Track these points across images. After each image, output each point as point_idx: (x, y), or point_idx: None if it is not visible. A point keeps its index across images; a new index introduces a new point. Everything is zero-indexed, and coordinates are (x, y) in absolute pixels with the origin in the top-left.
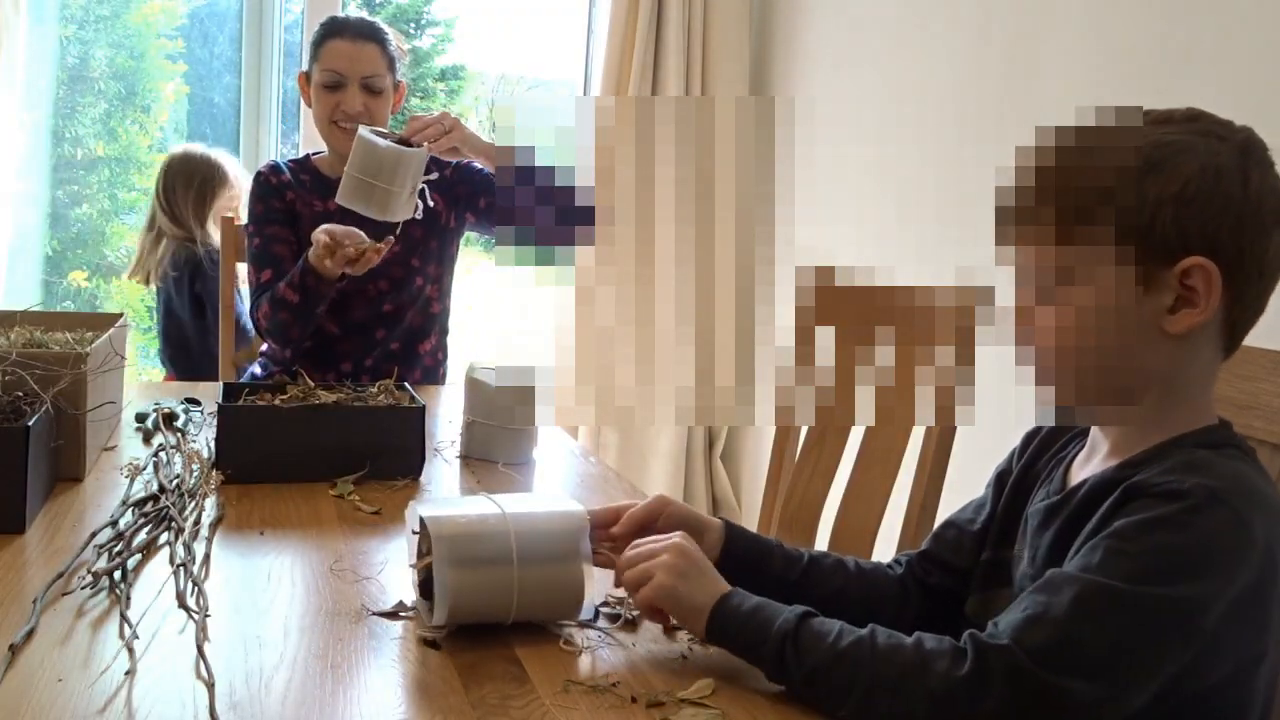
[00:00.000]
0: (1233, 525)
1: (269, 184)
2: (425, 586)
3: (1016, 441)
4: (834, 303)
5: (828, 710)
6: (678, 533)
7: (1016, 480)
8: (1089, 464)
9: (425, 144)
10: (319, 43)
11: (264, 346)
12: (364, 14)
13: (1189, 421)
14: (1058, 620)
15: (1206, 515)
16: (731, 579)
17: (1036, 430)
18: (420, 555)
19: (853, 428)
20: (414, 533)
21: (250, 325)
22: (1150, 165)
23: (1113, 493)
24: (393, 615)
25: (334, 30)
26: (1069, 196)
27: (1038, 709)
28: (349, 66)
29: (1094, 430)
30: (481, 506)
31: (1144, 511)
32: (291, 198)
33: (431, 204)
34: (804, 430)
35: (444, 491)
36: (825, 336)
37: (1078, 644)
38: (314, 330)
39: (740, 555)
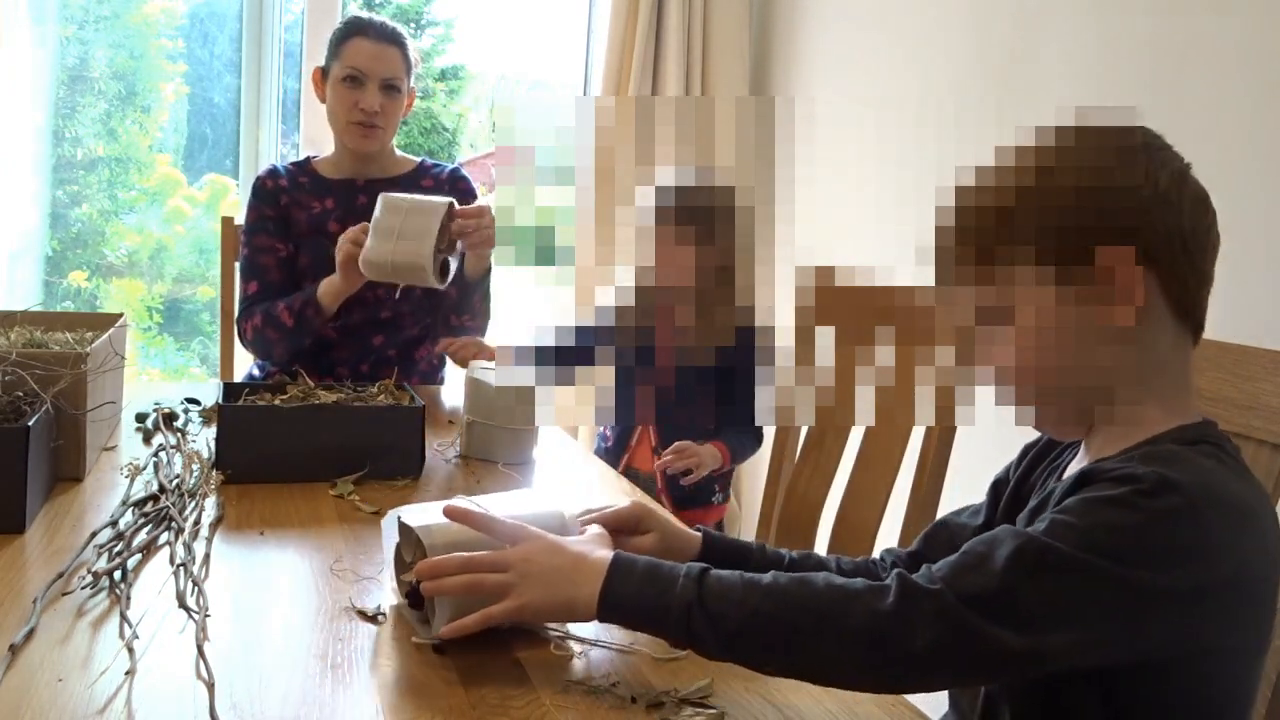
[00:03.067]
0: (1186, 516)
1: (264, 189)
2: (415, 596)
3: (1017, 446)
4: (834, 303)
5: (752, 668)
6: (525, 537)
7: (1012, 492)
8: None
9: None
10: (342, 39)
11: None
12: (386, 18)
13: (1168, 419)
14: (994, 571)
15: (1157, 501)
16: None
17: (1034, 442)
18: (403, 565)
19: (853, 428)
20: (398, 541)
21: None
22: (1042, 175)
23: None
24: (371, 619)
25: (358, 29)
26: (981, 226)
27: (966, 650)
28: (371, 66)
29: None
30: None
31: (1095, 491)
32: (286, 202)
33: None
34: (804, 430)
35: (444, 492)
36: (825, 336)
37: (1010, 594)
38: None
39: (718, 562)
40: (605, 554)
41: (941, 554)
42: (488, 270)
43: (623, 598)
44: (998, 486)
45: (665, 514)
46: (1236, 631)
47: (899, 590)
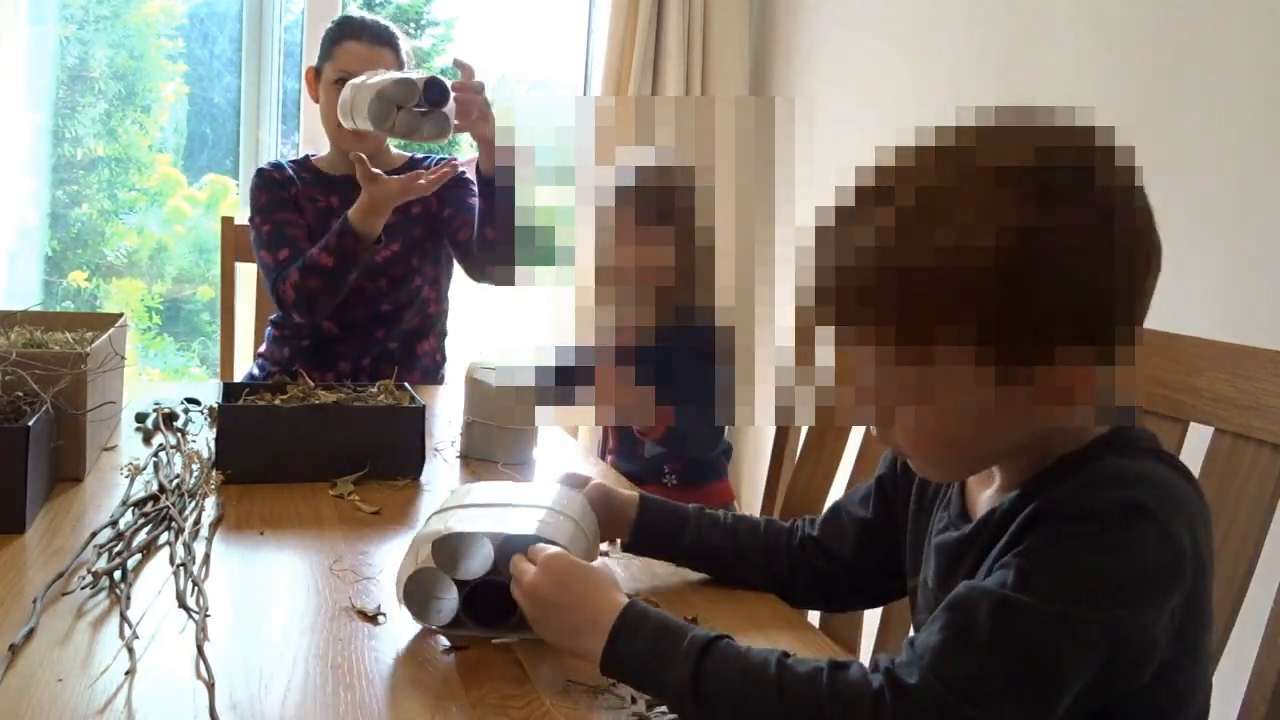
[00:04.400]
0: (1160, 537)
1: (273, 178)
2: (480, 600)
3: None
4: None
5: None
6: (544, 557)
7: (916, 498)
8: (988, 487)
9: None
10: (334, 41)
11: (262, 347)
12: (378, 17)
13: (1084, 431)
14: (980, 646)
15: (1129, 531)
16: (649, 547)
17: None
18: (431, 579)
19: (853, 428)
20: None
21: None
22: (1017, 255)
23: (1017, 518)
24: (371, 619)
25: (350, 32)
26: (909, 291)
27: None
28: (363, 68)
29: None
30: (535, 513)
31: (1060, 528)
32: (295, 191)
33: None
34: (804, 430)
35: (445, 491)
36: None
37: (1002, 672)
38: (313, 328)
39: (653, 524)
40: (612, 612)
41: (834, 540)
42: None
43: (624, 661)
44: (883, 482)
45: (596, 484)
46: (1198, 627)
47: (894, 697)
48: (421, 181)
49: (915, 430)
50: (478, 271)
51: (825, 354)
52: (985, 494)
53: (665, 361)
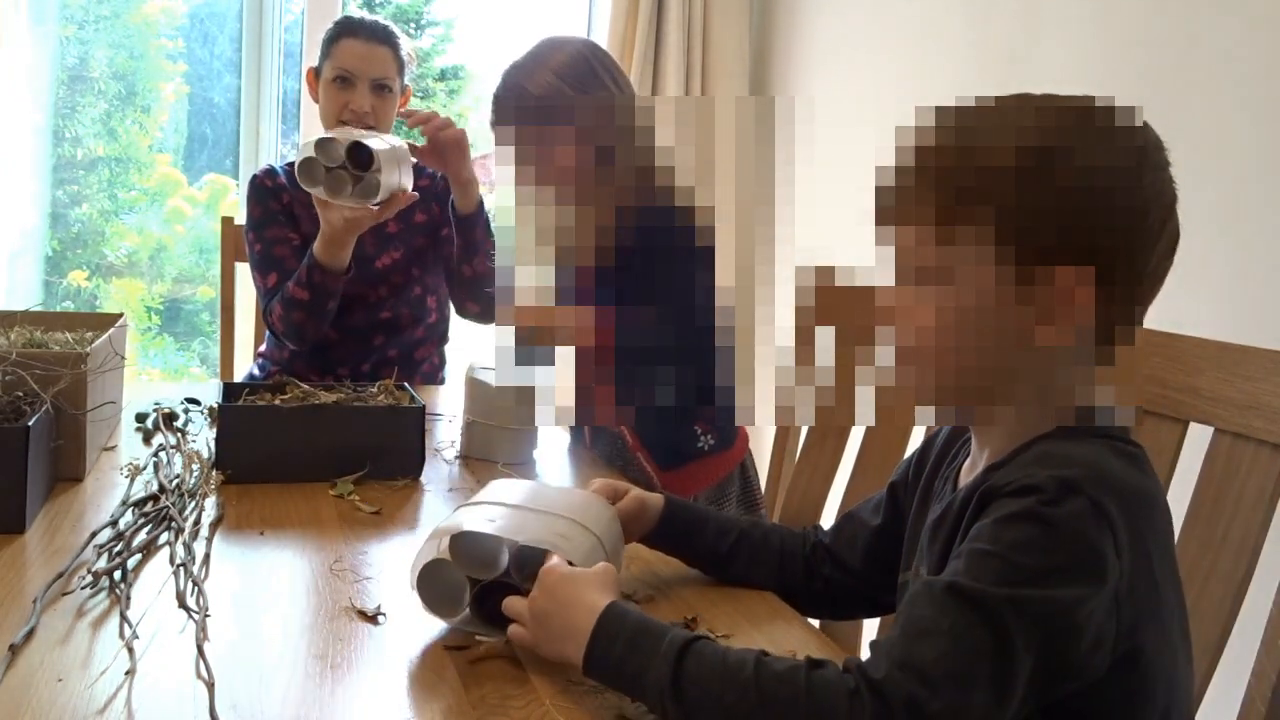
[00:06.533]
0: (1091, 515)
1: (264, 187)
2: (489, 599)
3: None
4: (834, 303)
5: None
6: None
7: (920, 499)
8: (972, 473)
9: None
10: (333, 40)
11: (262, 347)
12: (378, 17)
13: (1057, 417)
14: (939, 634)
15: (1061, 507)
16: (668, 547)
17: (929, 444)
18: (446, 574)
19: (853, 428)
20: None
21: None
22: (1038, 161)
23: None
24: (371, 619)
25: (348, 30)
26: (951, 184)
27: None
28: (361, 66)
29: (973, 437)
30: (556, 523)
31: (999, 510)
32: (288, 200)
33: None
34: (804, 430)
35: (444, 491)
36: (825, 336)
37: (964, 658)
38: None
39: (677, 528)
40: (592, 615)
41: (845, 549)
42: (480, 204)
43: (605, 665)
44: (895, 488)
45: (624, 485)
46: (1157, 622)
47: (870, 694)
48: (374, 207)
49: (926, 327)
50: (458, 306)
51: (825, 354)
52: (966, 480)
53: (630, 276)
